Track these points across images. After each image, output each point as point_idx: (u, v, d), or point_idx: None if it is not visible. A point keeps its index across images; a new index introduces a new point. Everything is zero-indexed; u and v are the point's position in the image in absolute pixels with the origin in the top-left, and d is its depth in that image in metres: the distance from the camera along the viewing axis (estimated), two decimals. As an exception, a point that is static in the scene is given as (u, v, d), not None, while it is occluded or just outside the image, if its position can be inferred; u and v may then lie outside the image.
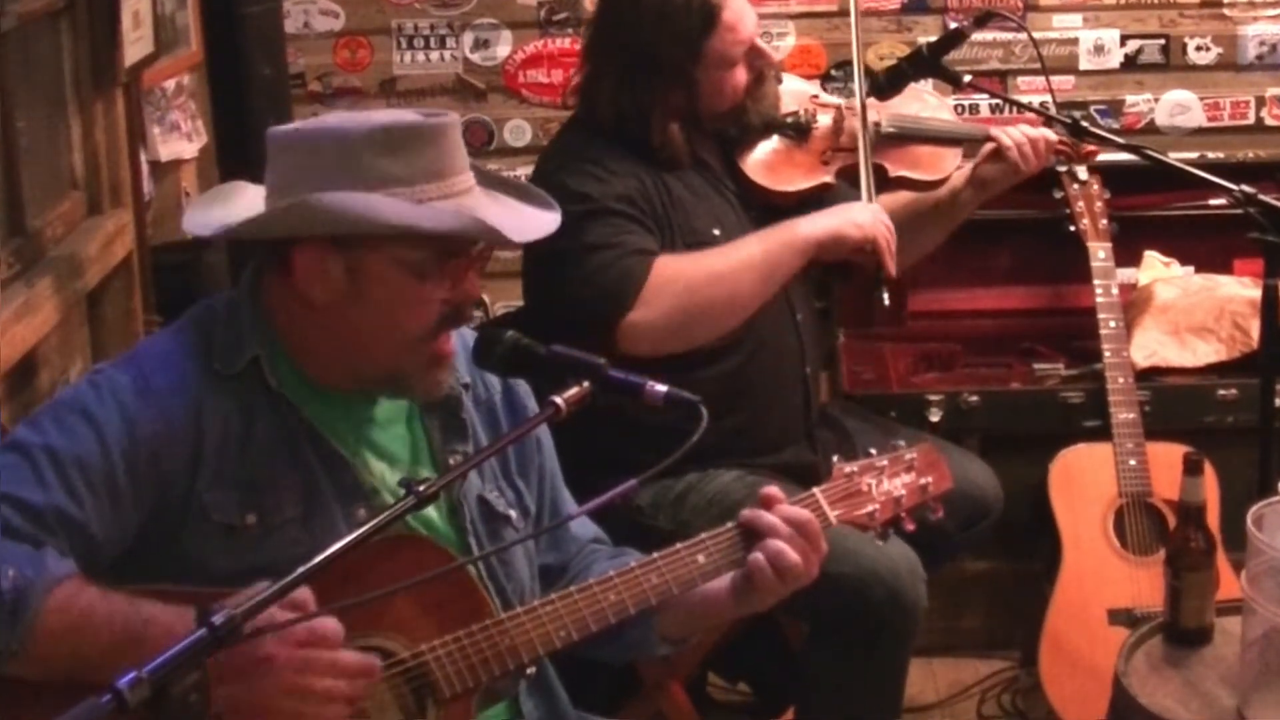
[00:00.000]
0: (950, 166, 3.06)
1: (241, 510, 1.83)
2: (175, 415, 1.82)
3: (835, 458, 2.15)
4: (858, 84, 3.01)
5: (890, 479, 2.14)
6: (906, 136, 3.04)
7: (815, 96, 3.07)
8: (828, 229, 2.79)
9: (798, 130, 2.96)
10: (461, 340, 2.03)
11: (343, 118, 1.90)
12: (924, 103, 3.19)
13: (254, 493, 1.84)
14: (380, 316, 1.85)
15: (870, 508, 2.11)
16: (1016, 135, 3.02)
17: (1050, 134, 3.06)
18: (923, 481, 2.16)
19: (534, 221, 1.96)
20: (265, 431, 1.86)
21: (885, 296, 2.87)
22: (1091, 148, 3.26)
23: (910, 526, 2.16)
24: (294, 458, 1.87)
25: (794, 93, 3.02)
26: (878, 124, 3.01)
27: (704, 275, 2.70)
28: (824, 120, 3.00)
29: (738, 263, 2.73)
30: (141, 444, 1.79)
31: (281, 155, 1.88)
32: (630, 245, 2.70)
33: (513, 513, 2.04)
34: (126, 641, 1.65)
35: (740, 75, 2.83)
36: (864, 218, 2.82)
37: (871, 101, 3.01)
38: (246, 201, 1.93)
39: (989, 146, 3.05)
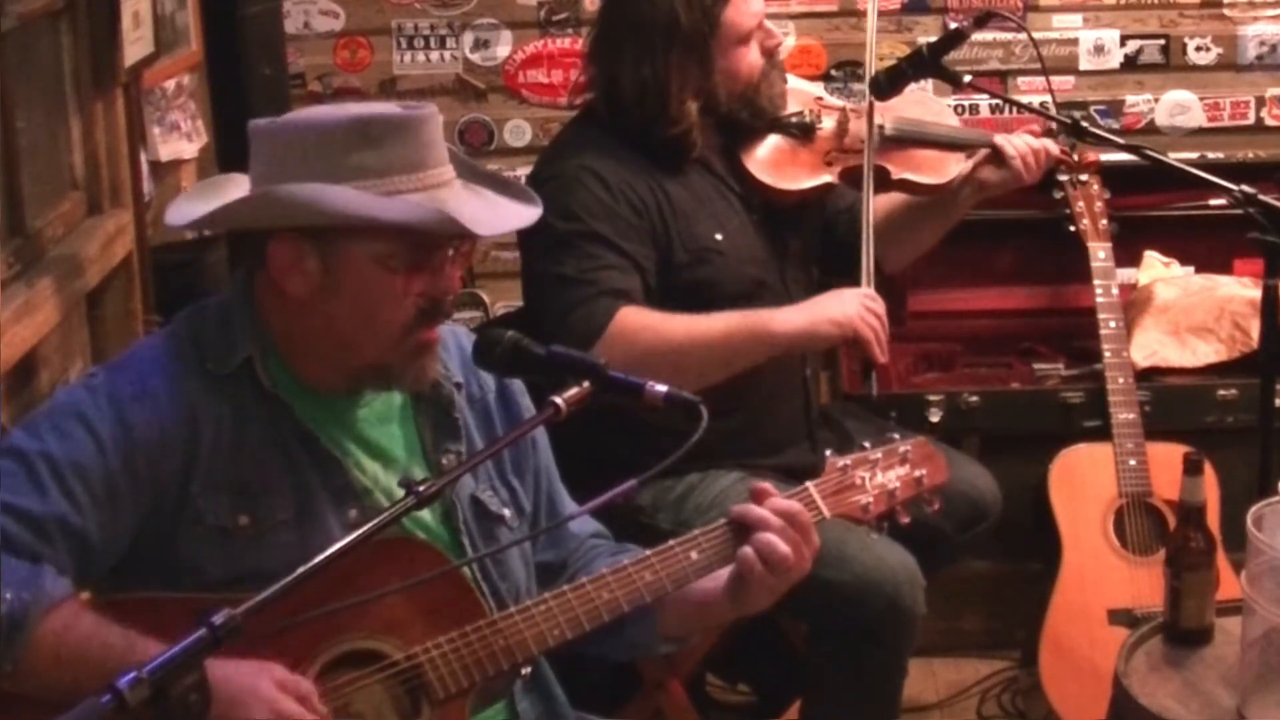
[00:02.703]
0: (953, 171, 3.05)
1: (234, 512, 1.83)
2: (170, 418, 1.82)
3: (829, 451, 2.14)
4: (869, 92, 3.01)
5: (884, 472, 2.13)
6: (910, 139, 3.04)
7: (820, 98, 3.07)
8: (801, 328, 2.72)
9: (802, 130, 2.96)
10: (456, 340, 2.03)
11: (322, 110, 1.90)
12: (927, 106, 3.19)
13: (247, 495, 1.84)
14: (357, 310, 1.85)
15: (864, 501, 2.10)
16: (1020, 145, 3.01)
17: (1052, 145, 3.06)
18: (917, 474, 2.15)
19: (507, 215, 1.96)
20: (258, 433, 1.86)
21: (874, 387, 2.86)
22: (1092, 157, 3.26)
23: (905, 520, 2.16)
24: (286, 459, 1.87)
25: (799, 93, 3.02)
26: (881, 126, 3.00)
27: (660, 341, 2.64)
28: (828, 122, 3.00)
29: (698, 338, 2.67)
30: (138, 447, 1.79)
31: (262, 147, 1.88)
32: (603, 285, 2.67)
33: (507, 512, 2.04)
34: (116, 678, 1.65)
35: (754, 54, 2.84)
36: (843, 313, 2.72)
37: (875, 103, 3.01)
38: (232, 195, 1.93)
39: (985, 151, 3.05)
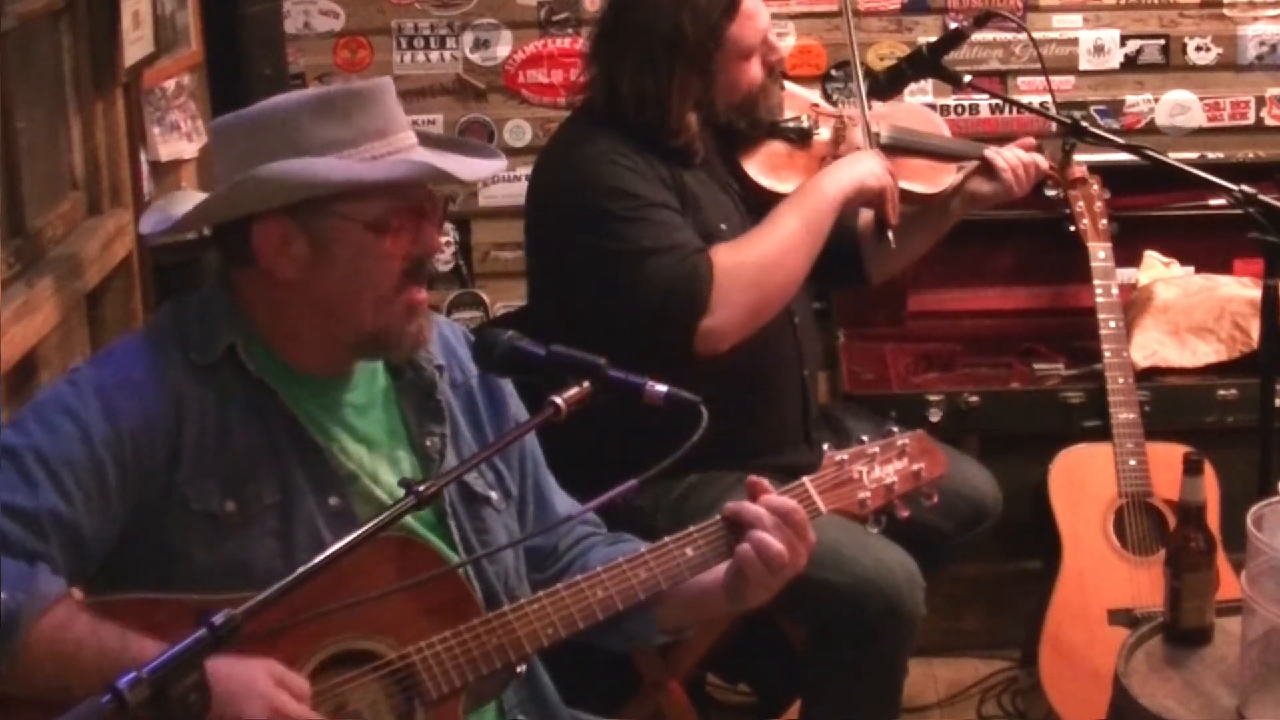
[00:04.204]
0: (946, 182, 3.08)
1: (221, 498, 1.83)
2: (155, 407, 1.82)
3: (826, 446, 2.14)
4: (860, 94, 3.02)
5: (882, 466, 2.12)
6: (904, 148, 3.05)
7: (816, 105, 3.09)
8: (852, 182, 2.83)
9: (800, 135, 2.98)
10: (436, 327, 2.03)
11: (282, 96, 1.93)
12: (921, 118, 3.21)
13: (233, 481, 1.85)
14: (348, 279, 1.86)
15: (861, 495, 2.10)
16: (1010, 158, 3.03)
17: (1041, 160, 3.08)
18: (915, 467, 2.15)
19: (479, 166, 1.99)
20: (242, 419, 1.87)
21: (891, 240, 2.93)
22: (1078, 173, 3.26)
23: (904, 513, 2.15)
24: (271, 445, 1.88)
25: (796, 99, 3.04)
26: (877, 134, 3.02)
27: (762, 263, 2.72)
28: (825, 129, 3.01)
29: (785, 241, 2.75)
30: (125, 437, 1.80)
31: (225, 143, 1.90)
32: (689, 245, 2.70)
33: (493, 494, 2.05)
34: (112, 678, 1.65)
35: (755, 68, 2.85)
36: (877, 168, 2.87)
37: (871, 112, 3.02)
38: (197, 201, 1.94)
39: (976, 163, 3.06)
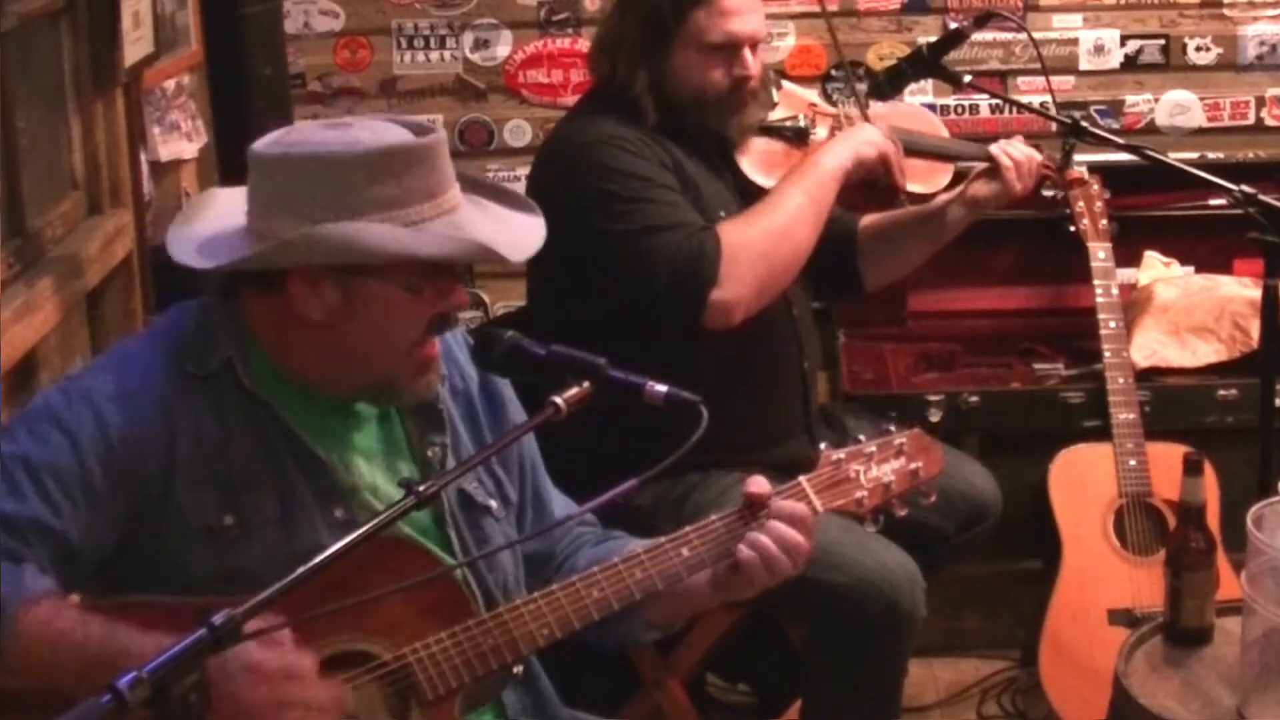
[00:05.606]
0: (943, 182, 3.07)
1: (220, 512, 1.83)
2: (147, 418, 1.81)
3: (823, 445, 2.14)
4: (855, 89, 3.05)
5: (879, 465, 2.12)
6: (903, 148, 3.04)
7: (814, 105, 3.08)
8: (849, 154, 2.84)
9: (797, 134, 2.98)
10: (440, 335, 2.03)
11: (330, 139, 1.85)
12: (920, 120, 3.20)
13: (231, 494, 1.84)
14: (374, 332, 1.86)
15: (859, 494, 2.10)
16: (1016, 154, 3.02)
17: (1038, 155, 3.07)
18: (913, 466, 2.15)
19: (525, 233, 1.97)
20: (240, 433, 1.86)
21: (904, 202, 2.95)
22: (1076, 174, 3.25)
23: (901, 512, 2.15)
24: (270, 458, 1.87)
25: (794, 99, 3.04)
26: None
27: (769, 237, 2.73)
28: (822, 129, 3.01)
29: (791, 215, 2.76)
30: (116, 448, 1.79)
31: (267, 174, 1.86)
32: (693, 222, 2.72)
33: (493, 503, 2.04)
34: (101, 668, 1.64)
35: (712, 71, 2.83)
36: (874, 136, 2.89)
37: (870, 111, 3.02)
38: (228, 216, 1.91)
39: (981, 165, 3.05)
